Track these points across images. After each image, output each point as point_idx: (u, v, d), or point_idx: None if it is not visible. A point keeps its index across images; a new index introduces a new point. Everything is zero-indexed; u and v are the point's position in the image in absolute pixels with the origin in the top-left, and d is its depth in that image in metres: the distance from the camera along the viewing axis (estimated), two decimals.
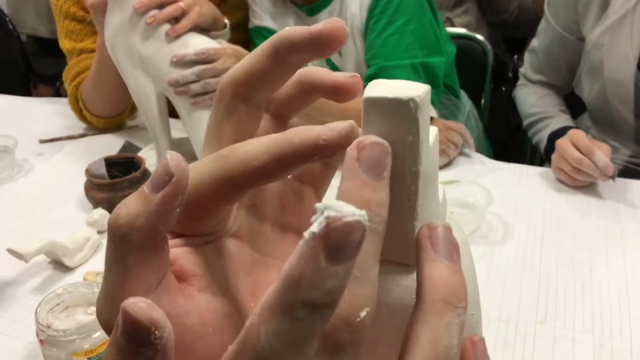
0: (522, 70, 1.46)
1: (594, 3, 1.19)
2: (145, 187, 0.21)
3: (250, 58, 0.25)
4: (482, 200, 1.01)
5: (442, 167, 1.19)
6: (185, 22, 1.08)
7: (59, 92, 2.27)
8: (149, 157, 1.20)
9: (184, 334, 0.23)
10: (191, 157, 1.27)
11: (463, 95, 1.51)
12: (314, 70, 0.27)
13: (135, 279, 0.21)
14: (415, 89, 0.23)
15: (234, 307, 0.24)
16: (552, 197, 1.12)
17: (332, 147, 0.22)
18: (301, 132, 0.22)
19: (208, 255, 0.25)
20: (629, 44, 1.16)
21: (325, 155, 0.22)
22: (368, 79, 1.20)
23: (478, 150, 1.37)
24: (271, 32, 1.34)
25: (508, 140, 1.79)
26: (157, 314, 0.18)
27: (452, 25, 2.12)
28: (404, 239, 0.24)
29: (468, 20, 2.16)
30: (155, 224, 0.21)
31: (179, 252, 0.24)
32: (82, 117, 1.40)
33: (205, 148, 0.26)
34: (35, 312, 0.77)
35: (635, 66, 1.17)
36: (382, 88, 0.23)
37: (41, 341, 0.76)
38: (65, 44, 1.40)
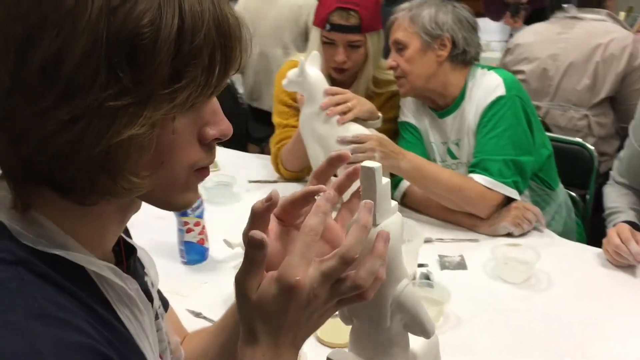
0: (611, 172, 1.81)
1: None
2: (261, 200, 0.67)
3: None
4: (533, 258, 1.42)
5: (516, 236, 1.60)
6: (349, 115, 1.66)
7: (263, 151, 3.01)
8: None
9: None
10: None
11: (560, 188, 1.89)
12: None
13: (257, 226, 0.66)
14: (378, 165, 0.73)
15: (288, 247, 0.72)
16: (596, 269, 1.49)
17: None
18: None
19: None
20: None
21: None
22: (472, 165, 1.67)
23: (566, 234, 1.75)
24: (412, 126, 1.87)
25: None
26: (265, 236, 0.59)
27: (589, 122, 2.44)
28: None
29: (604, 121, 2.47)
30: (264, 210, 0.66)
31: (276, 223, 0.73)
32: (278, 170, 2.04)
33: None
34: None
35: None
36: (371, 164, 0.74)
37: None
38: (276, 119, 2.06)
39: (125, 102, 0.54)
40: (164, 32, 0.54)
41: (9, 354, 0.52)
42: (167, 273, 1.53)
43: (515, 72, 2.52)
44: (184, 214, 1.51)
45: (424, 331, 0.75)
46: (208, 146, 0.64)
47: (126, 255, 0.75)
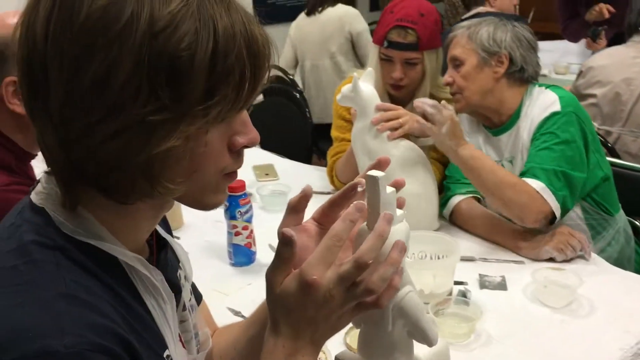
0: None
1: None
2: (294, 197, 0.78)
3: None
4: (575, 283, 1.39)
5: (560, 262, 1.56)
6: (399, 131, 1.68)
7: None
8: None
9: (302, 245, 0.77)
10: None
11: (621, 214, 1.81)
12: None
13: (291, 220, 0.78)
14: (381, 174, 0.77)
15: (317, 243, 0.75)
16: None
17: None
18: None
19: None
20: None
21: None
22: (521, 174, 1.65)
23: (621, 262, 1.69)
24: None
25: None
26: (294, 233, 0.66)
27: None
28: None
29: None
30: (298, 201, 0.77)
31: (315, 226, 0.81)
32: (332, 182, 2.09)
33: None
34: None
35: None
36: (375, 173, 0.78)
37: None
38: (334, 133, 2.12)
39: (163, 117, 0.61)
40: (199, 54, 0.61)
41: (32, 326, 0.59)
42: (216, 273, 1.63)
43: (586, 96, 2.46)
44: (233, 218, 1.59)
45: (426, 338, 0.78)
46: (237, 153, 0.71)
47: (158, 249, 0.82)
